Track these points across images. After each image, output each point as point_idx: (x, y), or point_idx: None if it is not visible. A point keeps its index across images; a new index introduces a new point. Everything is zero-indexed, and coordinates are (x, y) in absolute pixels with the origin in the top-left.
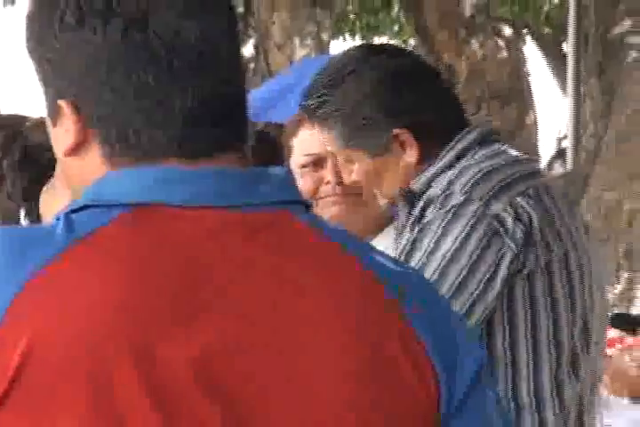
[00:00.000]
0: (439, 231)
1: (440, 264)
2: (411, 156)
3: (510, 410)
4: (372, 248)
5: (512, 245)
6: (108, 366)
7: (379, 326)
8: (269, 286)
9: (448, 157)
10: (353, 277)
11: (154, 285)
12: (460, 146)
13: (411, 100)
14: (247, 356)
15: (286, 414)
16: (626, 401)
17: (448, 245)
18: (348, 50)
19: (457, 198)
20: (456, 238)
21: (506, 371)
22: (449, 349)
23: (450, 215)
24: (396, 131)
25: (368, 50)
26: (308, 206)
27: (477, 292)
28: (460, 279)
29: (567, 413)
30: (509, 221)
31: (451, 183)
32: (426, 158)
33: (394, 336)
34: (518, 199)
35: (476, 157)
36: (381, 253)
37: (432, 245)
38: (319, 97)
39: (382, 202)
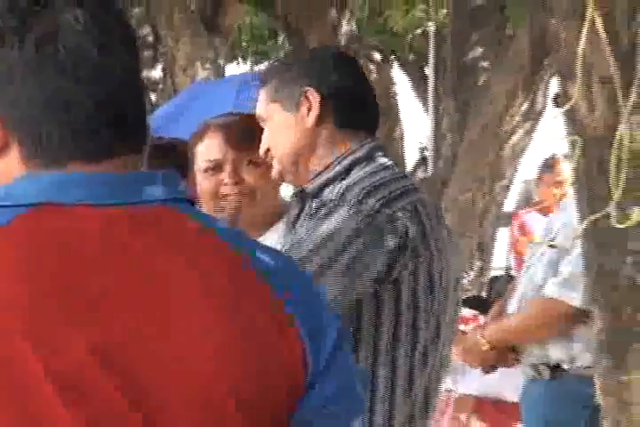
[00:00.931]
0: (326, 233)
1: (320, 261)
2: (310, 117)
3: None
4: (251, 239)
5: (386, 253)
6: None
7: (252, 305)
8: (153, 276)
9: (340, 166)
10: (228, 264)
11: (43, 283)
12: (352, 157)
13: (334, 77)
14: (137, 340)
15: (174, 385)
16: (478, 371)
17: (332, 243)
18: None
19: (347, 207)
20: (340, 239)
21: (367, 356)
22: (314, 321)
23: (339, 221)
24: (306, 88)
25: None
26: (192, 203)
27: (346, 285)
28: (339, 271)
29: (414, 397)
30: (388, 231)
31: (345, 191)
32: (322, 134)
33: (266, 314)
34: (399, 214)
35: (367, 169)
36: (259, 244)
37: (318, 240)
38: (269, 69)
39: (275, 168)
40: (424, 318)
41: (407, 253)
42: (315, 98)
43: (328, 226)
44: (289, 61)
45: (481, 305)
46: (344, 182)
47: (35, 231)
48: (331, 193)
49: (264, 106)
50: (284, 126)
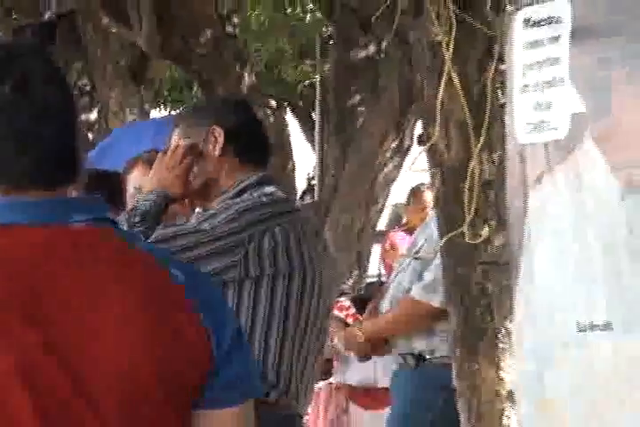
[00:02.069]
0: (205, 234)
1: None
2: (216, 150)
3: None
4: (165, 251)
5: (241, 256)
6: None
7: (167, 305)
8: (86, 282)
9: (234, 191)
10: (146, 271)
11: None
12: (244, 184)
13: (234, 119)
14: (75, 335)
15: (104, 368)
16: (356, 359)
17: (205, 235)
18: None
19: (223, 215)
20: (213, 236)
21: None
22: (216, 318)
23: (218, 228)
24: (213, 127)
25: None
26: (115, 222)
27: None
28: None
29: (286, 383)
30: (252, 244)
31: (228, 205)
32: (224, 164)
33: (179, 312)
34: (266, 235)
35: (255, 194)
36: (172, 255)
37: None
38: (182, 113)
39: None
40: (294, 312)
41: (252, 263)
42: (220, 135)
43: (201, 224)
44: (199, 107)
45: (362, 303)
46: (229, 201)
47: None
48: (217, 205)
49: (175, 139)
50: (204, 159)
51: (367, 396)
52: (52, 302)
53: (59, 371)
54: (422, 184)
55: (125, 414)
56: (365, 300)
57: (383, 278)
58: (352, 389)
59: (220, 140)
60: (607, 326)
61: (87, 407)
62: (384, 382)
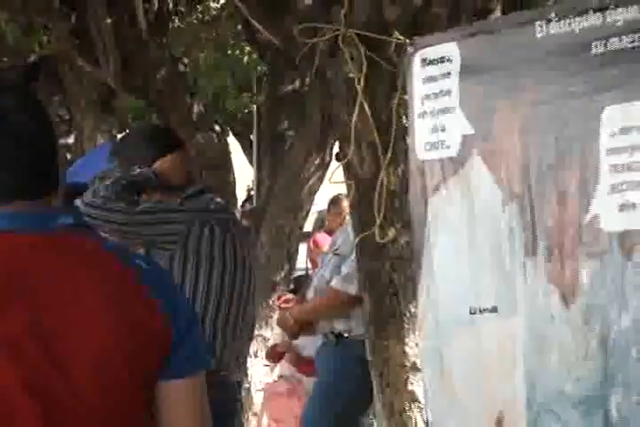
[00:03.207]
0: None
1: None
2: None
3: None
4: (130, 251)
5: (182, 235)
6: None
7: (130, 296)
8: (65, 277)
9: (190, 190)
10: (114, 268)
11: None
12: (190, 192)
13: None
14: (55, 321)
15: (78, 348)
16: (286, 338)
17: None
18: None
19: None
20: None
21: None
22: (172, 305)
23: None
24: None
25: None
26: (89, 227)
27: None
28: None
29: (220, 354)
30: (196, 231)
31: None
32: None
33: (140, 303)
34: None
35: (201, 196)
36: (137, 254)
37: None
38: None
39: None
40: (220, 288)
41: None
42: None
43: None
44: (123, 142)
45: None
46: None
47: None
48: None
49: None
50: None
51: (309, 365)
52: (37, 296)
53: (43, 352)
54: (340, 194)
55: (99, 389)
56: (293, 292)
57: (309, 272)
58: (300, 357)
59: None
60: (493, 310)
61: (65, 383)
62: (309, 353)
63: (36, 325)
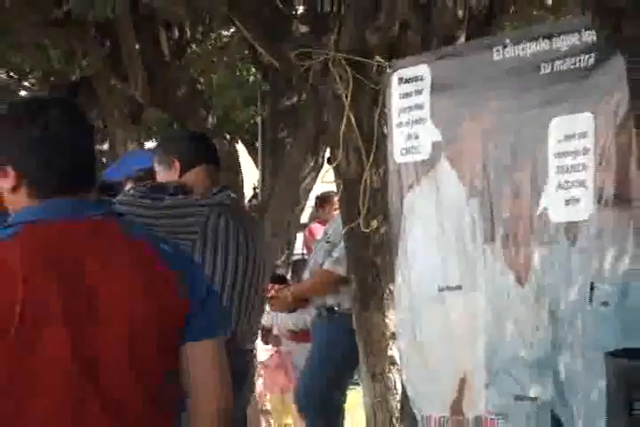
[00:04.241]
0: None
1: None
2: (178, 171)
3: None
4: (157, 235)
5: (201, 226)
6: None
7: (155, 273)
8: (101, 256)
9: (212, 189)
10: (141, 250)
11: (42, 255)
12: (214, 190)
13: (188, 148)
14: (94, 292)
15: (113, 318)
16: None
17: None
18: None
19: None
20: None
21: None
22: (192, 280)
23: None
24: (172, 157)
25: None
26: (120, 215)
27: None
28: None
29: (234, 324)
30: (213, 223)
31: (207, 199)
32: (192, 176)
33: (164, 277)
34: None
35: (221, 193)
36: (163, 237)
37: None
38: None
39: None
40: (234, 269)
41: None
42: (177, 163)
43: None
44: (163, 142)
45: (281, 279)
46: (211, 199)
47: (36, 233)
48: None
49: (155, 165)
50: (165, 175)
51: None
52: (79, 269)
53: (85, 318)
54: (330, 191)
55: (128, 346)
56: (283, 277)
57: (305, 257)
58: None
59: (177, 165)
60: (458, 288)
61: (103, 341)
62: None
63: (78, 293)
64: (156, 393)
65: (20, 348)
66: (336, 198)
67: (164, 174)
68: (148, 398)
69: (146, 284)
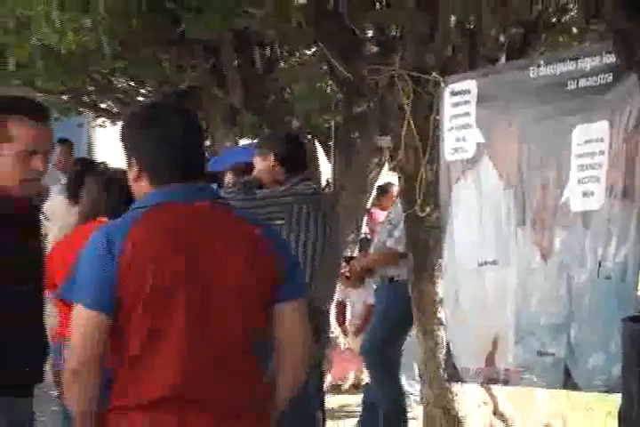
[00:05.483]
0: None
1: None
2: (275, 164)
3: None
4: (257, 218)
5: (286, 213)
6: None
7: (257, 248)
8: (216, 232)
9: (289, 182)
10: (246, 230)
11: (167, 232)
12: (293, 181)
13: (286, 146)
14: (209, 262)
15: (224, 280)
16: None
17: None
18: None
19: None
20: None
21: None
22: (283, 254)
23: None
24: (270, 153)
25: None
26: (225, 199)
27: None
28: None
29: (312, 288)
30: (297, 210)
31: (290, 189)
32: (280, 171)
33: (263, 250)
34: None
35: (301, 184)
36: (262, 220)
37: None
38: (257, 143)
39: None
40: (314, 245)
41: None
42: (271, 157)
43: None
44: (264, 139)
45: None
46: (294, 188)
47: (161, 214)
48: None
49: (257, 159)
50: (264, 166)
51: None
52: (194, 244)
53: (199, 286)
54: (389, 182)
55: (240, 305)
56: (350, 256)
57: (368, 236)
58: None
59: (272, 159)
60: (494, 263)
61: (216, 306)
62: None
63: (193, 266)
64: (250, 340)
65: (153, 311)
66: (394, 189)
67: (260, 165)
68: (246, 342)
69: (251, 256)
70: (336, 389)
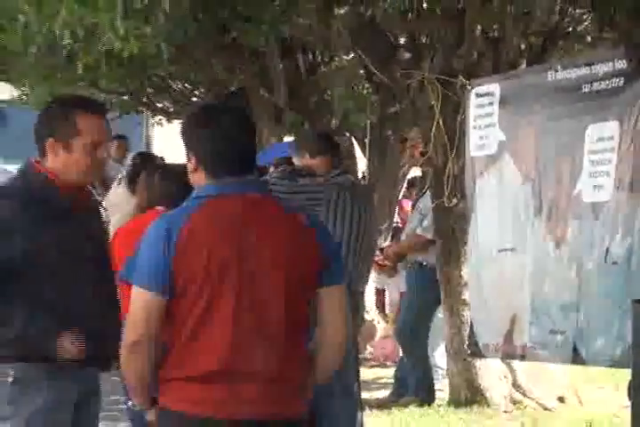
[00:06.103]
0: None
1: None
2: (312, 158)
3: None
4: (300, 207)
5: (326, 201)
6: (220, 247)
7: (301, 235)
8: (265, 221)
9: (334, 172)
10: (292, 219)
11: (221, 220)
12: (333, 173)
13: (317, 143)
14: (255, 248)
15: (269, 265)
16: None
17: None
18: None
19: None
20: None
21: None
22: (325, 241)
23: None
24: (304, 150)
25: None
26: (271, 191)
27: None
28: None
29: (355, 277)
30: (335, 198)
31: (333, 179)
32: (320, 164)
33: (307, 238)
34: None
35: (341, 176)
36: (305, 208)
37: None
38: (294, 142)
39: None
40: (350, 231)
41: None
42: (306, 153)
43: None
44: (300, 138)
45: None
46: (333, 180)
47: (216, 204)
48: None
49: (292, 154)
50: (298, 161)
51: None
52: (248, 232)
53: (247, 270)
54: (417, 176)
55: (283, 291)
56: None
57: (399, 225)
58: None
59: (306, 156)
60: (513, 249)
61: (259, 291)
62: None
63: (243, 251)
64: (294, 318)
65: (207, 291)
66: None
67: (297, 161)
68: (290, 320)
69: (297, 244)
70: (370, 361)
